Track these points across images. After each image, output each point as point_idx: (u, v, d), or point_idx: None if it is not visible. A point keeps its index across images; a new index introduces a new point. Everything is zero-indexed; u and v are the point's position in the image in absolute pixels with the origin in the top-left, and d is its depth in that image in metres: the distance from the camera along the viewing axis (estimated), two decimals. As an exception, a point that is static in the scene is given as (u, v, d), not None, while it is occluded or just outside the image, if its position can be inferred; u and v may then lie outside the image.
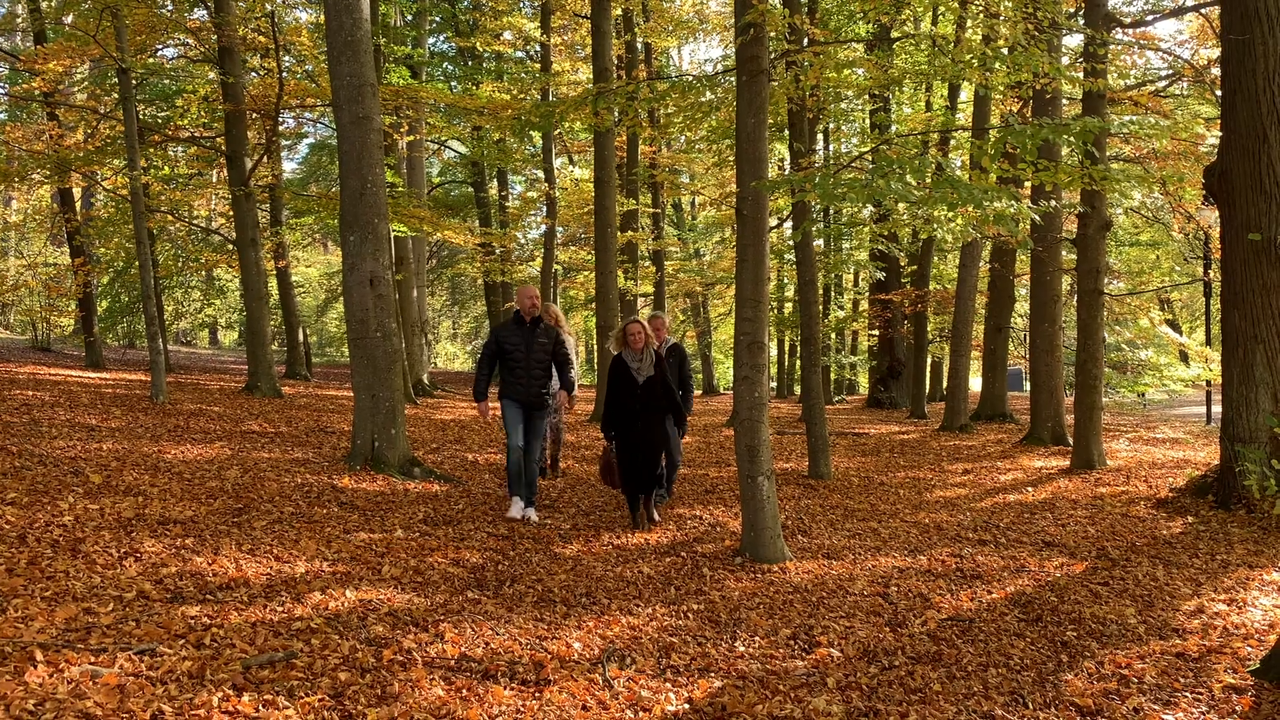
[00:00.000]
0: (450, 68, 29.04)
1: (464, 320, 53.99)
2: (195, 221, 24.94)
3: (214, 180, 25.29)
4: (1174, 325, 30.19)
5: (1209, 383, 20.91)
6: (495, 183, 30.24)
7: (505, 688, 4.47)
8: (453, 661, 4.75)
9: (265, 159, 19.03)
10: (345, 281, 9.92)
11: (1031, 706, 4.57)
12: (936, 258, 25.17)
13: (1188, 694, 4.74)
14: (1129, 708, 4.54)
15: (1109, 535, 8.65)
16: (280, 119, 19.55)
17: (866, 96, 22.01)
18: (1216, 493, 9.43)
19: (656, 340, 8.93)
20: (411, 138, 22.19)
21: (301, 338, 25.13)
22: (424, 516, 8.15)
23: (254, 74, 20.29)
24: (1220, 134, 9.58)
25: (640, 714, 4.31)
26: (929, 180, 8.41)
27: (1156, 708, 4.55)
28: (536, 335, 8.62)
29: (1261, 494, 8.85)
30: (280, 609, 5.23)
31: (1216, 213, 10.05)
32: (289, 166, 37.65)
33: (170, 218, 22.29)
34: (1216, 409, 18.55)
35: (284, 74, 17.69)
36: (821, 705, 4.48)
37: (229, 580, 5.63)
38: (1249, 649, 5.34)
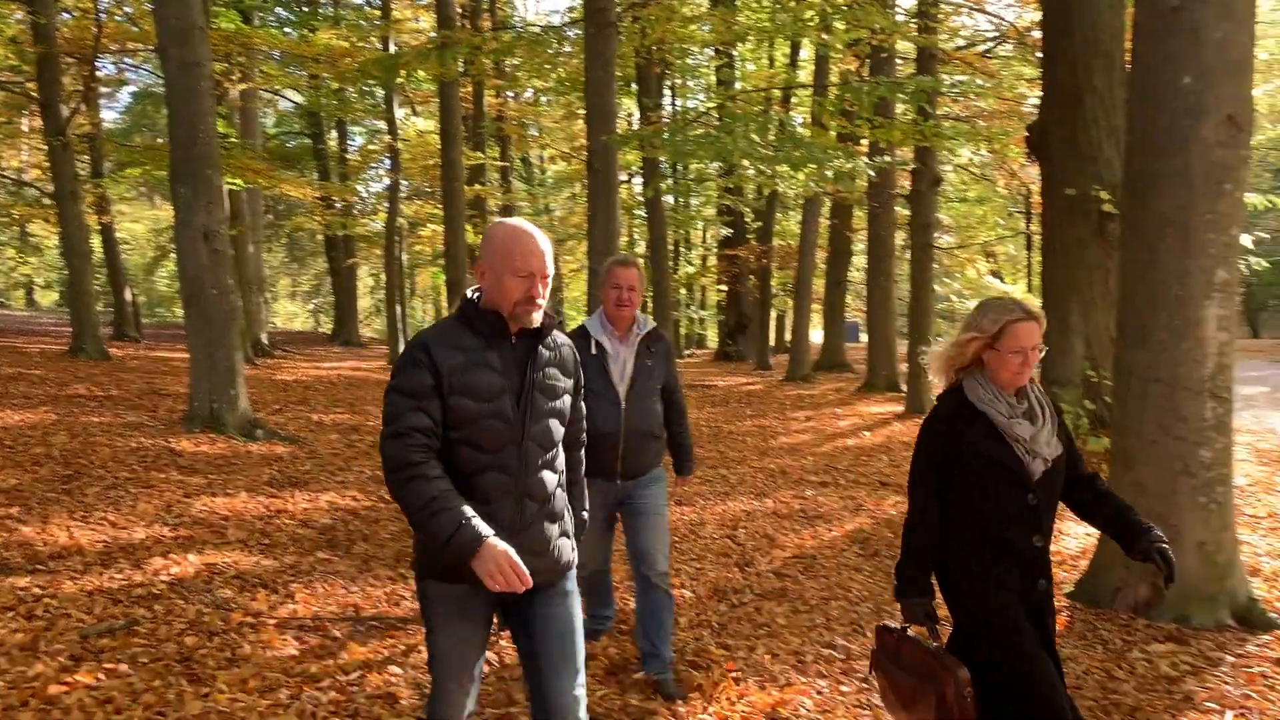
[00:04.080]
0: (284, 13, 27.74)
1: (304, 278, 52.20)
2: (6, 173, 23.16)
3: (26, 129, 23.51)
4: (998, 276, 31.86)
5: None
6: (335, 134, 29.21)
7: (361, 644, 4.44)
8: (306, 621, 4.69)
9: (83, 107, 17.78)
10: (177, 237, 9.44)
11: (870, 635, 4.85)
12: (780, 214, 25.78)
13: (1009, 617, 5.12)
14: (957, 632, 4.88)
15: (940, 475, 9.17)
16: (99, 64, 18.30)
17: (712, 52, 22.23)
18: (1035, 433, 10.09)
19: (630, 315, 4.35)
20: (244, 86, 21.15)
21: (129, 297, 23.79)
22: (269, 478, 7.94)
23: (67, 14, 18.89)
24: (1041, 94, 10.13)
25: (503, 655, 4.36)
26: (773, 138, 8.62)
27: (981, 630, 4.91)
28: (540, 365, 2.76)
29: (1076, 431, 9.54)
30: (119, 576, 5.03)
31: (1038, 170, 10.65)
32: (110, 115, 35.39)
33: (-24, 168, 20.66)
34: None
35: (102, 15, 16.54)
36: (675, 643, 4.63)
37: (61, 549, 5.37)
38: (1064, 574, 5.80)
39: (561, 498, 2.80)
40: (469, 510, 2.47)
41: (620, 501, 4.33)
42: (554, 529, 2.74)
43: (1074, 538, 6.68)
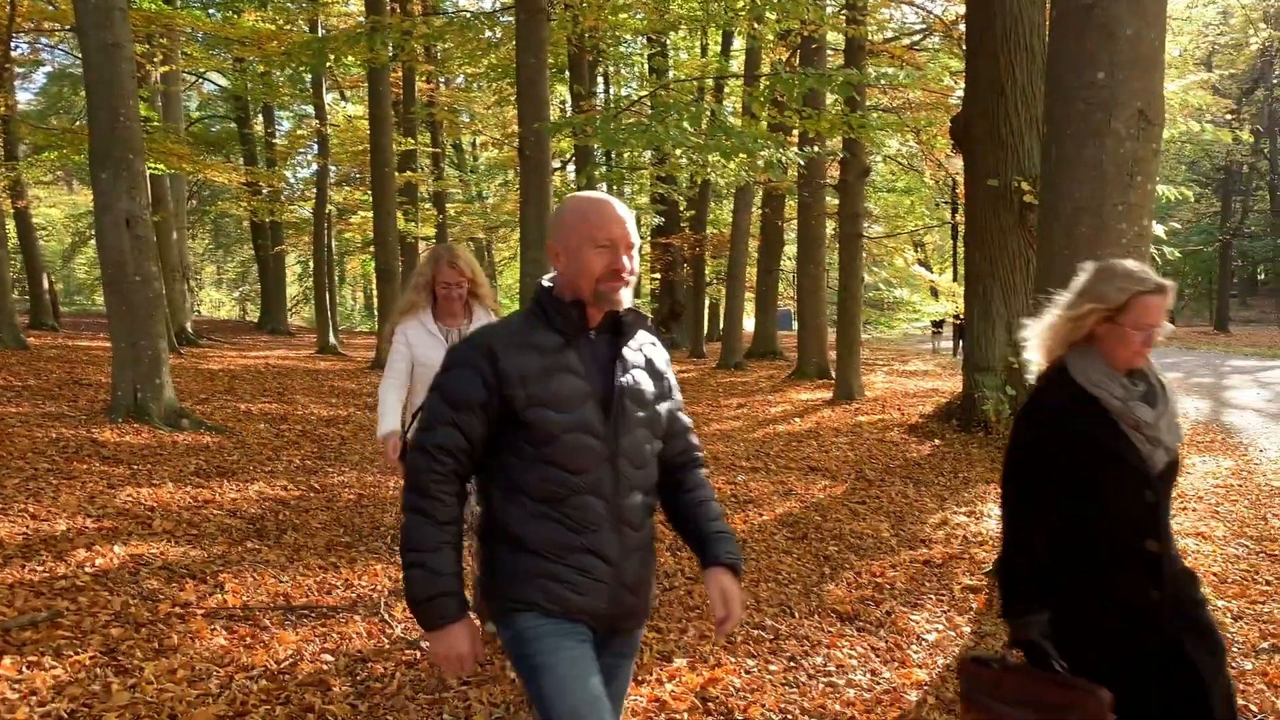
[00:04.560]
0: (208, -7, 27.10)
1: (230, 265, 51.15)
2: (-88, 155, 22.29)
3: (-67, 109, 22.63)
4: (926, 265, 32.47)
5: (958, 317, 22.75)
6: (261, 118, 28.65)
7: (292, 631, 4.42)
8: (236, 611, 4.65)
9: (-4, 87, 17.21)
10: (98, 222, 9.22)
11: (798, 615, 4.97)
12: (713, 203, 25.96)
13: (932, 596, 5.28)
14: (882, 611, 5.02)
15: (866, 459, 9.36)
16: (13, 44, 17.69)
17: (645, 40, 22.27)
18: (960, 417, 10.37)
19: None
20: (167, 69, 20.65)
21: (47, 285, 23.12)
22: (196, 469, 7.81)
23: (-22, -9, 18.22)
24: (965, 86, 10.37)
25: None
26: (705, 127, 8.70)
27: (905, 609, 5.06)
28: (628, 366, 2.30)
29: (998, 417, 9.81)
30: (40, 568, 4.94)
31: (963, 160, 10.90)
32: (25, 97, 34.24)
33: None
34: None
35: (15, -8, 15.98)
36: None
37: (-21, 542, 5.24)
38: (984, 554, 5.98)
39: (652, 527, 2.36)
40: (455, 585, 2.11)
41: None
42: (648, 561, 2.34)
43: (994, 519, 6.88)
